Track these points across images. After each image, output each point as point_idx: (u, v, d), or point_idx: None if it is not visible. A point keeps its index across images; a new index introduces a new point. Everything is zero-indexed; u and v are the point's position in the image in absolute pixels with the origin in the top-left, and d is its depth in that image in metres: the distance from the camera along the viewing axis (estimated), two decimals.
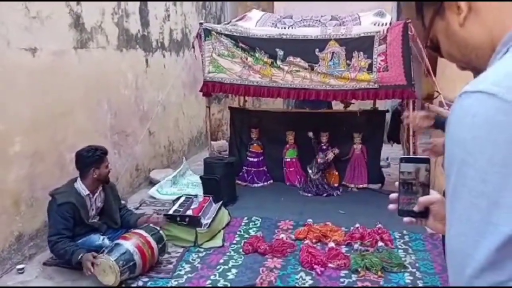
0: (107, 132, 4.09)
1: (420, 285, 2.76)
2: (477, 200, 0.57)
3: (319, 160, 4.55)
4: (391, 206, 0.97)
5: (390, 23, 3.96)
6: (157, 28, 5.12)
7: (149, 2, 4.86)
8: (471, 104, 0.59)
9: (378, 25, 3.99)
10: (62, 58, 3.45)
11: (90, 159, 2.97)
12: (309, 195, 4.51)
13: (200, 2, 6.48)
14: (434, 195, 0.93)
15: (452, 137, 0.61)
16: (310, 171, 4.58)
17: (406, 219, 0.96)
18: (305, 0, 6.86)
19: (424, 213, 0.93)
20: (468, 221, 0.58)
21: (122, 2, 4.31)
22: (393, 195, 0.96)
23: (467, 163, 0.58)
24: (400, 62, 3.86)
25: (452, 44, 0.76)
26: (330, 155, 4.57)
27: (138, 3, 4.64)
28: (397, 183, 0.95)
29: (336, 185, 4.74)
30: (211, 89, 4.51)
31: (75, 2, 3.58)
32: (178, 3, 5.67)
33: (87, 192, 2.98)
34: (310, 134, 4.62)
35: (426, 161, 0.93)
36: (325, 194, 4.48)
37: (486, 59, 0.69)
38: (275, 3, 7.29)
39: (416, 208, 0.92)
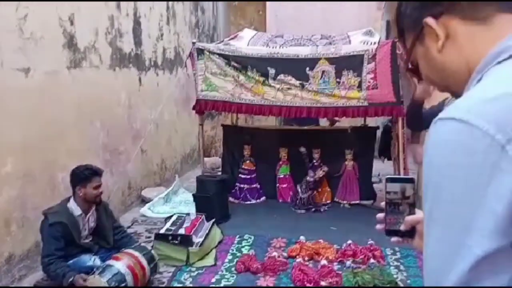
0: (99, 151, 4.10)
1: None
2: (451, 223, 0.59)
3: (308, 178, 4.58)
4: (378, 226, 0.98)
5: (379, 42, 4.04)
6: (150, 47, 5.18)
7: (142, 22, 4.93)
8: (445, 131, 0.61)
9: (367, 44, 4.08)
10: (55, 78, 3.48)
11: (77, 177, 2.96)
12: (302, 211, 4.52)
13: (193, 21, 6.58)
14: (420, 214, 0.94)
15: (428, 162, 0.64)
16: (299, 190, 4.60)
17: (393, 239, 0.97)
18: (296, 0, 6.95)
19: (411, 233, 0.94)
20: (443, 243, 0.61)
21: (115, 22, 4.37)
22: (380, 215, 0.97)
23: (442, 187, 0.61)
24: (389, 80, 3.93)
25: (431, 69, 0.79)
26: (320, 173, 4.60)
27: (131, 23, 4.71)
28: (383, 203, 0.97)
29: (328, 201, 4.77)
30: (204, 107, 4.56)
31: (69, 23, 3.63)
32: (171, 22, 5.75)
33: (80, 212, 2.96)
34: (302, 149, 4.66)
35: (411, 180, 0.95)
36: (313, 209, 4.52)
37: (463, 84, 0.72)
38: (268, 23, 7.41)
39: (402, 228, 0.94)
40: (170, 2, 5.70)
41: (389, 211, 0.95)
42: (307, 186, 4.57)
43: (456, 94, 0.78)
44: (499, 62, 0.66)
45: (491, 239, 0.56)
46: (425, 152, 0.65)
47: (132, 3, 4.70)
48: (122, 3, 4.47)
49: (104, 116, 4.16)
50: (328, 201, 4.77)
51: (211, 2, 7.35)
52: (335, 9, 7.02)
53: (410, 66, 0.84)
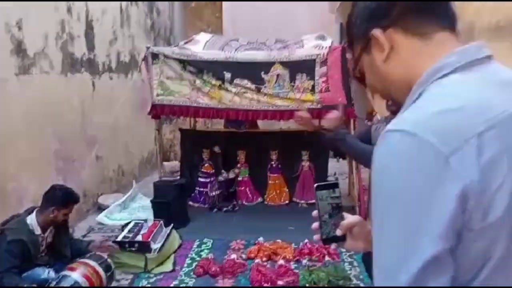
0: (51, 159, 3.99)
1: None
2: (401, 227, 0.65)
3: (219, 177, 4.77)
4: (316, 237, 0.97)
5: (330, 47, 4.18)
6: (103, 51, 5.09)
7: (95, 26, 4.83)
8: (394, 142, 0.67)
9: (320, 48, 4.21)
10: (3, 86, 3.36)
11: (57, 199, 2.84)
12: (214, 210, 4.69)
13: (149, 24, 6.51)
14: (354, 217, 0.98)
15: (378, 170, 0.69)
16: (208, 189, 4.78)
17: (332, 246, 1.00)
18: (250, 0, 7.04)
19: (344, 236, 0.96)
20: (393, 245, 0.66)
21: (67, 26, 4.27)
22: (315, 225, 0.96)
23: (393, 195, 0.66)
24: (340, 83, 4.08)
25: (375, 77, 0.84)
26: (230, 174, 4.77)
27: (83, 26, 4.60)
28: (315, 212, 0.96)
29: (286, 201, 4.88)
30: (160, 112, 4.54)
31: (16, 28, 3.52)
32: (125, 25, 5.67)
33: (39, 231, 2.82)
34: (216, 148, 4.86)
35: (337, 185, 0.98)
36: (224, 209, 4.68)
37: (404, 94, 0.77)
38: (224, 25, 7.45)
39: (339, 233, 0.95)
40: (124, 4, 5.61)
41: (322, 219, 0.95)
42: (217, 186, 4.75)
43: (397, 102, 0.84)
44: (440, 78, 0.72)
45: (437, 242, 0.62)
46: (374, 160, 0.70)
47: (84, 7, 4.60)
48: (73, 7, 4.37)
49: (56, 123, 4.05)
50: (287, 201, 4.88)
51: (166, 4, 7.29)
52: (290, 12, 7.16)
53: (356, 74, 0.89)
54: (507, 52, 2.58)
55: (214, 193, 4.68)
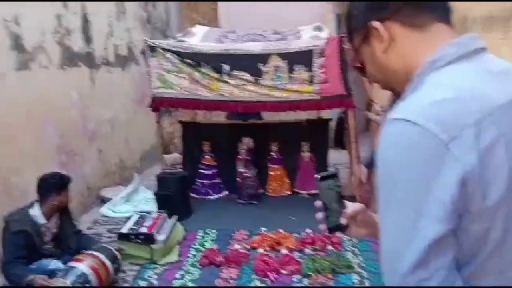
0: (53, 153, 4.01)
1: (367, 284, 2.96)
2: (405, 210, 0.69)
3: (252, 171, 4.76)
4: (321, 227, 0.98)
5: (328, 38, 4.19)
6: (101, 44, 5.07)
7: (91, 19, 4.81)
8: (396, 130, 0.71)
9: (317, 39, 4.22)
10: (3, 81, 3.37)
11: (54, 185, 2.91)
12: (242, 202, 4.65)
13: (145, 17, 6.48)
14: (356, 204, 1.01)
15: (383, 157, 0.73)
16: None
17: (338, 234, 1.02)
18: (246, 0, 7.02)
19: (347, 224, 0.98)
20: (398, 228, 0.70)
21: (63, 21, 4.26)
22: (319, 215, 0.97)
23: (396, 179, 0.70)
24: (338, 74, 4.08)
25: (375, 68, 0.87)
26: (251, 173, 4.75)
27: (80, 20, 4.59)
28: (318, 202, 0.97)
29: (288, 192, 4.92)
30: (160, 104, 4.55)
31: (14, 23, 3.51)
32: (121, 18, 5.64)
33: (44, 220, 2.89)
34: (247, 140, 4.81)
35: (337, 174, 1.00)
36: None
37: (402, 83, 0.81)
38: (220, 17, 7.41)
39: (343, 221, 0.97)
40: None
41: (326, 209, 0.96)
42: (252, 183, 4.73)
43: (396, 92, 0.87)
44: (437, 68, 0.76)
45: (440, 224, 0.66)
46: (379, 148, 0.74)
47: (79, 1, 4.58)
48: (69, 1, 4.35)
49: (57, 117, 4.07)
50: (288, 192, 4.92)
51: None
52: (286, 3, 7.13)
53: (357, 64, 0.92)
54: (499, 42, 2.61)
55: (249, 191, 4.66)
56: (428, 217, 0.66)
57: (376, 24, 0.81)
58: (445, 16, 0.82)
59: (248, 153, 4.83)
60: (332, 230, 0.99)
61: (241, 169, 4.75)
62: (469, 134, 0.67)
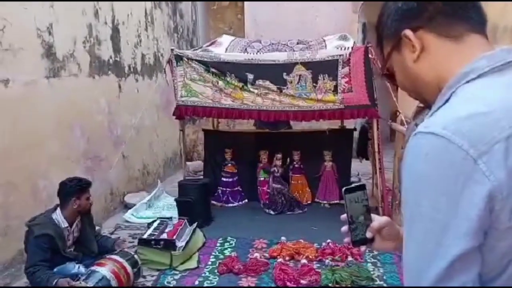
0: (80, 158, 4.13)
1: None
2: (430, 225, 0.68)
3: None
4: (346, 240, 0.98)
5: (353, 47, 4.17)
6: (129, 54, 5.22)
7: (121, 29, 4.96)
8: (424, 144, 0.69)
9: (342, 48, 4.20)
10: (34, 88, 3.50)
11: (72, 189, 2.98)
12: (272, 212, 4.62)
13: (172, 26, 6.62)
14: (383, 218, 0.99)
15: (409, 171, 0.72)
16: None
17: (362, 248, 1.00)
18: (272, 0, 7.06)
19: (373, 237, 0.96)
20: (423, 243, 0.69)
21: (94, 30, 4.40)
22: (345, 228, 0.97)
23: (421, 194, 0.69)
24: (363, 84, 4.06)
25: (405, 77, 0.86)
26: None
27: (109, 30, 4.74)
28: (344, 215, 0.96)
29: (309, 202, 4.89)
30: (184, 113, 4.62)
31: (47, 33, 3.66)
32: (150, 28, 5.79)
33: (66, 224, 2.96)
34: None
35: (364, 187, 0.98)
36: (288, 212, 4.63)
37: (433, 95, 0.79)
38: (246, 26, 7.49)
39: (369, 235, 0.95)
40: (148, 8, 5.74)
41: (352, 222, 0.95)
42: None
43: (426, 103, 0.86)
44: (467, 82, 0.74)
45: (465, 240, 0.65)
46: (405, 161, 0.73)
47: (110, 11, 4.73)
48: (100, 11, 4.50)
49: (84, 124, 4.19)
50: (309, 201, 4.89)
51: (189, 6, 7.40)
52: (312, 12, 7.15)
53: (385, 71, 0.91)
54: None
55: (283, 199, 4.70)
56: (453, 233, 0.65)
57: (408, 33, 0.80)
58: (480, 27, 0.79)
59: (280, 168, 4.81)
60: (356, 243, 0.97)
61: (276, 185, 4.75)
62: (499, 149, 0.65)
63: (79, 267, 2.94)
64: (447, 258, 0.65)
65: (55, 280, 2.70)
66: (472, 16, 0.78)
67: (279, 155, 4.86)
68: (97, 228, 3.61)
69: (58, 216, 2.95)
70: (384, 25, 0.86)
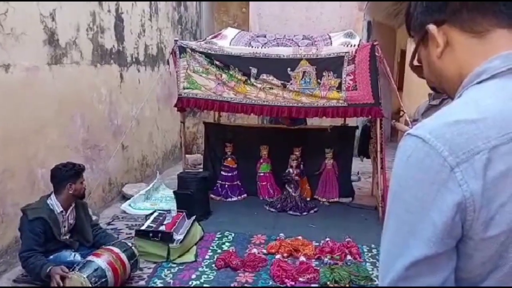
0: (79, 146, 4.08)
1: None
2: (401, 226, 0.68)
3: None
4: None
5: (359, 45, 4.13)
6: (132, 43, 5.16)
7: (124, 18, 4.91)
8: (409, 146, 0.68)
9: (348, 46, 4.16)
10: (36, 74, 3.45)
11: (67, 174, 2.98)
12: (274, 210, 4.57)
13: (176, 18, 6.56)
14: None
15: (394, 170, 0.71)
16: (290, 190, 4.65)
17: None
18: (276, 0, 7.01)
19: None
20: (392, 241, 0.70)
21: (97, 18, 4.35)
22: None
23: (398, 194, 0.69)
24: (367, 82, 4.02)
25: (430, 71, 0.83)
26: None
27: (113, 19, 4.68)
28: None
29: (308, 199, 4.85)
30: (186, 105, 4.58)
31: (50, 19, 3.60)
32: (154, 18, 5.73)
33: (61, 209, 2.96)
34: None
35: None
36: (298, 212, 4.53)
37: (455, 91, 0.77)
38: (251, 20, 7.44)
39: None
40: None
41: None
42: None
43: (452, 98, 0.82)
44: (480, 82, 0.71)
45: (427, 245, 0.65)
46: (395, 159, 0.72)
47: None
48: None
49: (84, 112, 4.15)
50: (308, 198, 4.86)
51: None
52: (317, 8, 7.10)
53: (415, 63, 0.88)
54: None
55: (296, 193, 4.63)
56: (419, 237, 0.65)
57: (431, 27, 0.77)
58: (508, 21, 0.73)
59: (296, 170, 4.71)
60: None
61: (289, 189, 4.66)
62: (479, 159, 0.63)
63: (75, 255, 2.93)
64: (409, 259, 0.66)
65: (49, 268, 2.68)
66: (502, 10, 0.73)
67: (294, 156, 4.73)
68: (94, 218, 3.59)
69: (52, 201, 2.95)
70: (411, 17, 0.84)
